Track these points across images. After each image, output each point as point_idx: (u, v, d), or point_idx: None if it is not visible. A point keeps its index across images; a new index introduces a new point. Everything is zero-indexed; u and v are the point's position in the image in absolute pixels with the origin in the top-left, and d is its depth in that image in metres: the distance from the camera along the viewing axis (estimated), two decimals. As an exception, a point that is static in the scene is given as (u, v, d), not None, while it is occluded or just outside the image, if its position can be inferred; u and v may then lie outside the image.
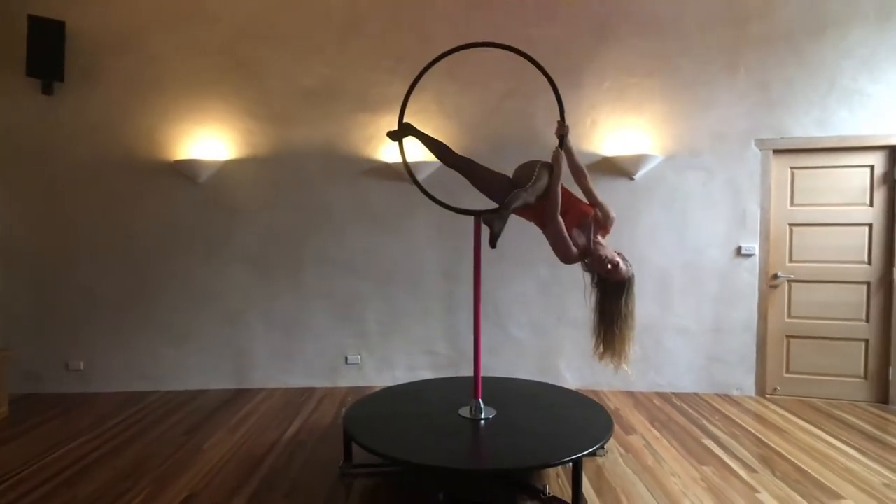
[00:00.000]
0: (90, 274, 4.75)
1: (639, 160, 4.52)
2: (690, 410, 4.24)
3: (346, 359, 4.89)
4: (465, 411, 3.30)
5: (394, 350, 4.91)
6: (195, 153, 4.71)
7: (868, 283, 4.37)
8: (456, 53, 3.22)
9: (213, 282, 4.81)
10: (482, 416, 3.24)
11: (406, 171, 3.41)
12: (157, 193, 4.76)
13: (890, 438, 3.67)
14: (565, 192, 2.93)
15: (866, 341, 4.39)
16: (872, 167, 4.34)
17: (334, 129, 4.79)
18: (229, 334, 4.84)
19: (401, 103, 3.32)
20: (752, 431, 3.82)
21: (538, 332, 4.79)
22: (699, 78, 4.53)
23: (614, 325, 2.78)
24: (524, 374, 4.65)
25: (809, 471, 3.21)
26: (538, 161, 3.01)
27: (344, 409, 4.24)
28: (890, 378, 4.32)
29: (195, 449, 3.57)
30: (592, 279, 2.87)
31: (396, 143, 3.38)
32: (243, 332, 4.85)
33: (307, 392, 4.73)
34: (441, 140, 3.33)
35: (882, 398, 4.37)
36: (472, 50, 3.28)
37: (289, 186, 4.80)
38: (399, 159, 4.72)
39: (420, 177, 4.76)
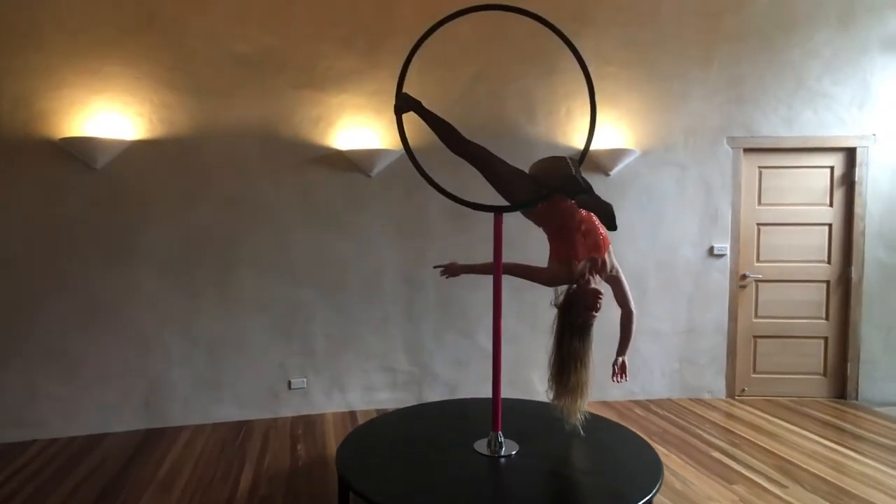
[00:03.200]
0: (-67, 288, 3.52)
1: (616, 155, 4.25)
2: (678, 419, 4.03)
3: (290, 383, 4.10)
4: (481, 446, 2.74)
5: (346, 369, 4.21)
6: (91, 130, 3.65)
7: (828, 282, 4.46)
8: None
9: (116, 295, 3.78)
10: (503, 454, 2.70)
11: (409, 158, 2.76)
12: (35, 180, 3.63)
13: (880, 438, 3.68)
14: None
15: (826, 339, 4.48)
16: (832, 168, 4.42)
17: (275, 108, 3.97)
18: (138, 360, 3.83)
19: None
20: (750, 439, 3.66)
21: (510, 341, 4.29)
22: (674, 71, 4.34)
23: (572, 366, 2.56)
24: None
25: (832, 480, 3.08)
26: (564, 157, 2.76)
27: (299, 448, 3.52)
28: (847, 374, 4.44)
29: (119, 523, 2.67)
30: (559, 302, 2.63)
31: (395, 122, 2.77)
32: (157, 357, 3.87)
33: (244, 426, 3.88)
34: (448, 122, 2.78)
35: (840, 394, 4.47)
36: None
37: (217, 175, 3.91)
38: (354, 146, 4.13)
39: (377, 168, 4.13)
